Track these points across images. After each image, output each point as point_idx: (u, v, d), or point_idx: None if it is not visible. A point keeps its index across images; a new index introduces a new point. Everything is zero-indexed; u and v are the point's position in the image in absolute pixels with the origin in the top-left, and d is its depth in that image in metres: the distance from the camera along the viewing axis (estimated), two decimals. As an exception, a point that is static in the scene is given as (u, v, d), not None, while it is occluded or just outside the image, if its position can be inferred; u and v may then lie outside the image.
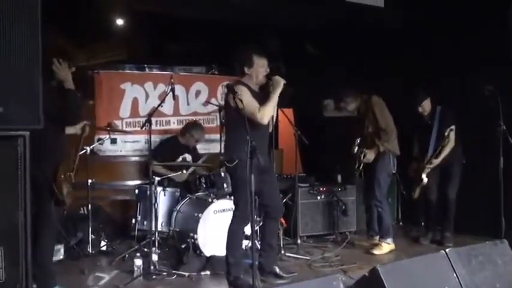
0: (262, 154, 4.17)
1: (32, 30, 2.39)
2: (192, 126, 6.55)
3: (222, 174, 5.59)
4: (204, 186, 5.78)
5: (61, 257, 5.14)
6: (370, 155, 5.65)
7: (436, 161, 5.75)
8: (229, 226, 4.43)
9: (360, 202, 6.43)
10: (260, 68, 4.39)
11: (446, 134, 5.59)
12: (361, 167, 5.79)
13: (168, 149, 6.33)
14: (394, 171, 5.80)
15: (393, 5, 6.15)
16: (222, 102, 7.08)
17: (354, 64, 7.14)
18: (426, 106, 5.94)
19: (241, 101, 4.14)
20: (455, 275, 3.52)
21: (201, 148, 6.86)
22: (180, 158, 6.33)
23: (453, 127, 5.62)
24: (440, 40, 6.49)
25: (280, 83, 4.31)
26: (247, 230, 4.63)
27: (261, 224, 4.88)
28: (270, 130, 4.61)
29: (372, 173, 5.72)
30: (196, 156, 6.54)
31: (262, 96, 4.39)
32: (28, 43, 2.38)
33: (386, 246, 5.63)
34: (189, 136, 6.43)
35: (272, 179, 4.68)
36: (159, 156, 5.99)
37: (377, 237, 5.84)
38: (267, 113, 4.27)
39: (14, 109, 2.35)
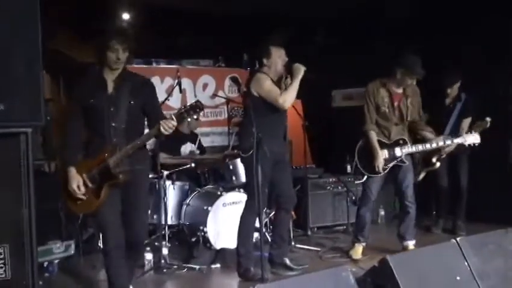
0: (279, 143, 4.39)
1: (33, 26, 2.38)
2: None
3: (230, 166, 5.57)
4: (213, 179, 5.77)
5: (72, 252, 5.15)
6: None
7: (450, 148, 5.52)
8: (241, 215, 4.46)
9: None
10: (278, 58, 4.43)
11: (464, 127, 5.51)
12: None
13: (171, 139, 6.21)
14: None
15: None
16: (230, 95, 7.10)
17: (363, 52, 7.04)
18: (455, 89, 5.72)
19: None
20: (466, 264, 3.48)
21: (209, 141, 6.83)
22: (184, 148, 6.23)
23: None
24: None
25: (300, 69, 4.31)
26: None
27: (271, 215, 4.84)
28: None
29: (408, 169, 5.03)
30: (200, 146, 6.44)
31: (279, 88, 4.42)
32: (28, 40, 2.38)
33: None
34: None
35: (286, 169, 4.65)
36: (164, 148, 5.93)
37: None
38: (288, 98, 4.28)
39: (15, 106, 2.35)
